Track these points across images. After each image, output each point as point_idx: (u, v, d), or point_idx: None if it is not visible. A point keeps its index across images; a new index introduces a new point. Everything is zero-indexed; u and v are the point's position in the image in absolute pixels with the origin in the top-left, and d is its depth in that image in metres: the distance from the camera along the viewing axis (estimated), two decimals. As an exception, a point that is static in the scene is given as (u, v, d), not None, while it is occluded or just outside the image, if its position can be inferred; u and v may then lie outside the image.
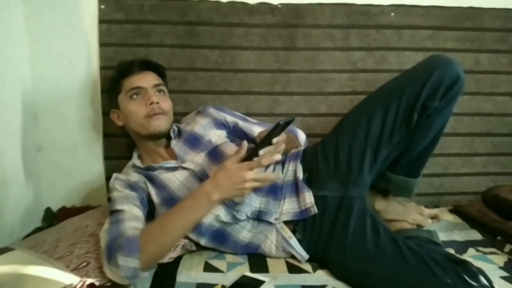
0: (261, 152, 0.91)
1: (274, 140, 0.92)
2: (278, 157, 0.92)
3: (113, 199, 1.05)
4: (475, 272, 0.92)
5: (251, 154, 0.93)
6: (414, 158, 1.14)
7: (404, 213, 1.24)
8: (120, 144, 1.40)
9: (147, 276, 0.94)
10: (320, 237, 1.07)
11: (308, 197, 1.08)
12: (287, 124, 0.92)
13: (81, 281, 0.88)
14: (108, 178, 1.40)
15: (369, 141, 1.08)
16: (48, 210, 1.40)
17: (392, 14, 1.43)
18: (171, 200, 1.07)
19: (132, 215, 0.98)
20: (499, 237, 1.20)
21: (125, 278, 0.88)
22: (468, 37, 1.46)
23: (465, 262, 0.96)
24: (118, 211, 1.00)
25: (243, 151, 0.93)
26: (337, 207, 1.07)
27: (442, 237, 1.21)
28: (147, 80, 1.18)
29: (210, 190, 0.92)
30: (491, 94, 1.50)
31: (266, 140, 0.90)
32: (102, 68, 1.37)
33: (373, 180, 1.14)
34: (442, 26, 1.45)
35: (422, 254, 0.96)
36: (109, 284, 0.90)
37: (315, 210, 1.06)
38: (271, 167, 1.19)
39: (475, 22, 1.46)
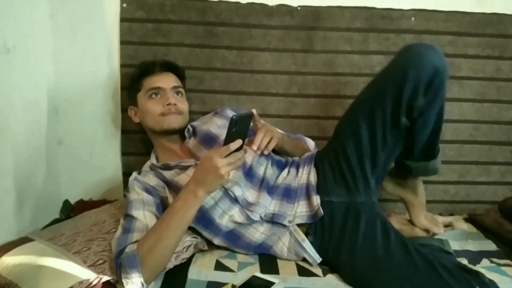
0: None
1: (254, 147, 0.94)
2: (239, 143, 0.92)
3: (130, 200, 1.07)
4: (487, 283, 0.91)
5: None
6: (425, 143, 1.10)
7: (416, 199, 1.22)
8: (138, 141, 1.43)
9: (152, 286, 0.94)
10: (331, 241, 1.07)
11: (315, 200, 1.09)
12: (244, 118, 0.93)
13: (97, 277, 0.90)
14: (125, 173, 1.43)
15: (363, 151, 1.06)
16: (66, 202, 1.44)
17: (413, 18, 1.41)
18: None
19: (144, 225, 1.00)
20: (514, 249, 1.18)
21: None
22: (490, 44, 1.44)
23: (477, 273, 0.95)
24: (132, 217, 1.02)
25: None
26: (345, 213, 1.07)
27: (455, 246, 1.20)
28: (167, 81, 1.23)
29: (194, 188, 0.93)
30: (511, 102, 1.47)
31: (228, 137, 0.91)
32: (122, 65, 1.40)
33: (379, 180, 1.14)
34: (463, 32, 1.42)
35: (432, 261, 0.95)
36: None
37: (321, 212, 1.07)
38: (286, 170, 1.20)
39: (498, 28, 1.43)
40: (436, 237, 1.18)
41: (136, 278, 0.89)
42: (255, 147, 1.09)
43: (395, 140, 1.07)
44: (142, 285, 0.90)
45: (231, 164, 0.91)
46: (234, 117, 0.88)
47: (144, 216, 1.02)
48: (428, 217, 1.24)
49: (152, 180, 1.15)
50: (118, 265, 0.92)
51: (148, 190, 1.11)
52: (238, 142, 0.91)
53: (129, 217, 1.03)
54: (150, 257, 0.91)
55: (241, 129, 0.92)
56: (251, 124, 1.11)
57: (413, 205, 1.23)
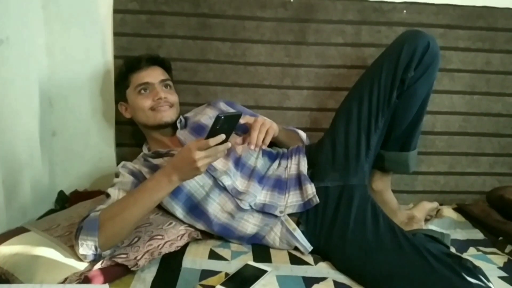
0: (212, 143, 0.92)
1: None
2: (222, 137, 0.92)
3: (112, 183, 1.11)
4: (470, 268, 0.94)
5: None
6: (403, 132, 1.17)
7: (397, 207, 1.26)
8: (132, 132, 1.44)
9: (108, 254, 0.95)
10: (323, 228, 1.09)
11: (310, 188, 1.11)
12: (230, 118, 0.93)
13: (92, 268, 0.92)
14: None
15: (362, 126, 1.12)
16: (61, 193, 1.45)
17: (404, 11, 1.42)
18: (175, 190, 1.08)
19: (113, 201, 1.03)
20: (500, 238, 1.21)
21: (84, 256, 0.93)
22: (480, 37, 1.45)
23: (460, 258, 0.98)
24: (108, 195, 1.06)
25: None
26: (339, 196, 1.10)
27: (444, 235, 1.23)
28: (154, 75, 1.24)
29: (170, 172, 0.96)
30: (501, 94, 1.49)
31: (211, 133, 0.91)
32: (116, 57, 1.40)
33: (370, 165, 1.17)
34: (454, 24, 1.44)
35: (418, 246, 0.98)
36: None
37: (316, 200, 1.09)
38: (277, 162, 1.22)
39: (488, 21, 1.44)
40: (439, 230, 1.19)
41: (91, 242, 0.92)
42: (252, 147, 1.08)
43: (384, 122, 1.13)
44: (96, 249, 0.92)
45: (209, 157, 0.93)
46: (220, 116, 0.88)
47: (118, 194, 1.05)
48: (407, 214, 1.27)
49: (139, 165, 1.17)
50: (79, 228, 0.94)
51: (134, 172, 1.14)
52: (220, 138, 0.92)
53: (105, 194, 1.08)
54: (109, 225, 0.94)
55: (225, 127, 0.92)
56: (243, 122, 1.11)
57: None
